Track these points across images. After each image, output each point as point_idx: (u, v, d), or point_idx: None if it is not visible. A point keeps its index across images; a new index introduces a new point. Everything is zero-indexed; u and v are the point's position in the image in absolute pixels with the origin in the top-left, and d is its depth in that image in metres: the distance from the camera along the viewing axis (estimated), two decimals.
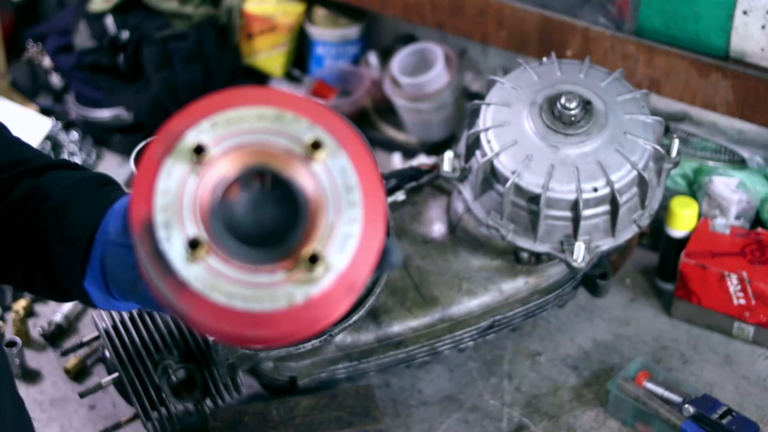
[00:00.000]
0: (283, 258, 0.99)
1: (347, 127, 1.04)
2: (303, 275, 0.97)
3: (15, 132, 1.45)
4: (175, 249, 0.97)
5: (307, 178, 1.01)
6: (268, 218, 1.02)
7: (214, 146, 1.00)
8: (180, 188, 0.99)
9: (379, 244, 1.00)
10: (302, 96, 1.06)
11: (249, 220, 1.01)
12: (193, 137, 1.00)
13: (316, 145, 1.01)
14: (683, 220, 2.28)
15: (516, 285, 2.15)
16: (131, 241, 1.03)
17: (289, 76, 2.98)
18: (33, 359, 2.20)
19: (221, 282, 0.96)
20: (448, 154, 2.20)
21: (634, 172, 2.06)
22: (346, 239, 0.99)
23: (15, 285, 1.37)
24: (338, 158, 1.02)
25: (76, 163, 1.40)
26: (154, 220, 0.98)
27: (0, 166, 1.34)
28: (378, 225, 1.01)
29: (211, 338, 1.03)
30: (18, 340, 2.13)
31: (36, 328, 2.24)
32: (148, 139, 2.59)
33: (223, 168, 1.01)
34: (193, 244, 0.96)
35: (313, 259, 0.97)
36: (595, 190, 2.04)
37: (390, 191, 2.25)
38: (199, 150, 0.99)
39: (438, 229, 2.21)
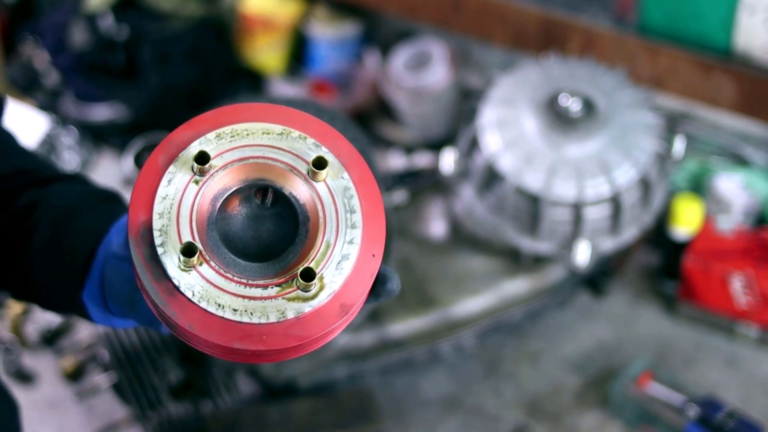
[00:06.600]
0: (278, 273, 0.98)
1: (352, 150, 1.04)
2: (297, 292, 0.96)
3: (13, 130, 1.43)
4: (169, 255, 0.96)
5: (308, 196, 1.00)
6: (266, 233, 1.01)
7: (217, 157, 1.00)
8: (179, 196, 0.98)
9: (376, 267, 0.99)
10: (310, 115, 1.04)
11: (246, 234, 1.01)
12: (196, 147, 1.00)
13: (319, 165, 1.00)
14: (687, 219, 2.26)
15: (516, 285, 2.14)
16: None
17: (288, 75, 2.96)
18: (30, 360, 2.19)
19: (213, 292, 0.96)
20: (448, 153, 2.19)
21: (637, 172, 2.05)
22: (343, 260, 0.98)
23: (13, 293, 1.36)
24: (341, 179, 1.01)
25: (82, 177, 1.39)
26: (151, 224, 0.97)
27: (4, 176, 1.33)
28: (376, 249, 1.00)
29: (200, 350, 1.01)
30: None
31: (33, 325, 2.23)
32: (147, 138, 2.60)
33: (224, 179, 1.00)
34: (187, 252, 0.95)
35: (308, 277, 0.96)
36: (597, 189, 2.03)
37: (390, 190, 2.24)
38: (201, 160, 0.99)
39: (438, 229, 2.20)
